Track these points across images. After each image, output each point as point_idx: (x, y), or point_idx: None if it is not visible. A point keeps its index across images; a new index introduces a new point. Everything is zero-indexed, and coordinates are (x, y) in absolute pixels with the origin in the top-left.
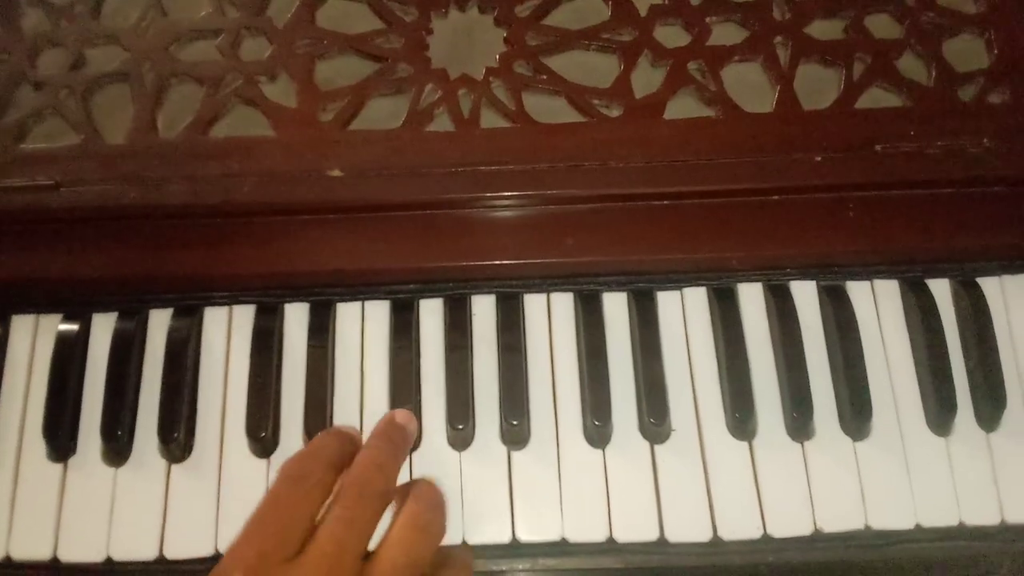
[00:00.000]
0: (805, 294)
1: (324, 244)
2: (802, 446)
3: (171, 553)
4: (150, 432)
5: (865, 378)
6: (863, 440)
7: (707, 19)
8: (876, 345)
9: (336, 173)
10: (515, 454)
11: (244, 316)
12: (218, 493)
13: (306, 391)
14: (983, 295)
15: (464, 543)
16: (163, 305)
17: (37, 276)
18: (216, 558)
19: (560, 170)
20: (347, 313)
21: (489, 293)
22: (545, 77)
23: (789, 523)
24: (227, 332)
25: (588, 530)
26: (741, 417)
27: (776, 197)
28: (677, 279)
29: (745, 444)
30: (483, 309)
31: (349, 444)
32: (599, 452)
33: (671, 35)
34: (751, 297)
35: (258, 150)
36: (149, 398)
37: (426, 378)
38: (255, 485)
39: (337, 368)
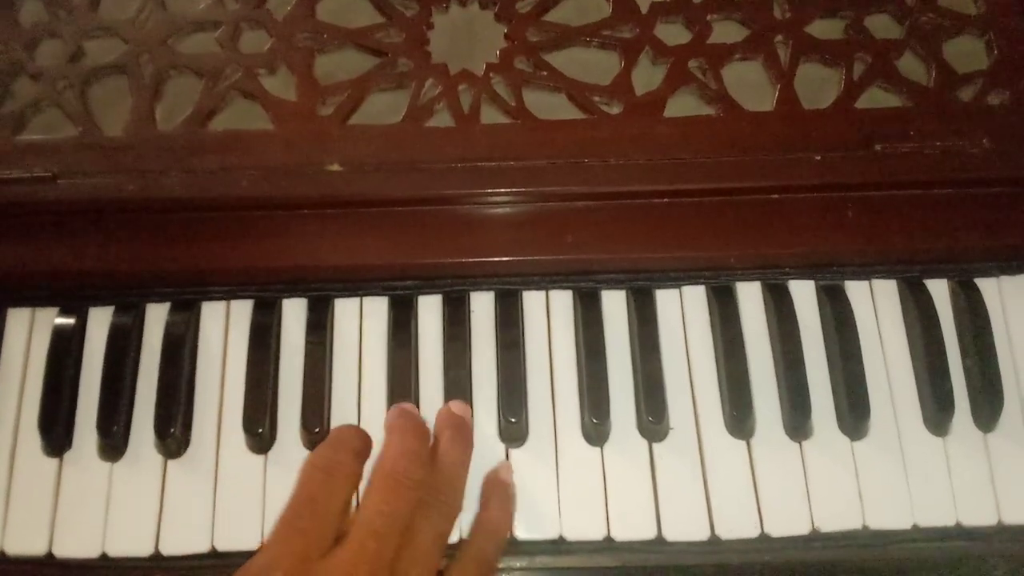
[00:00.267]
0: (804, 293)
1: (323, 239)
2: (800, 445)
3: (167, 549)
4: (146, 427)
5: (863, 378)
6: (861, 440)
7: (708, 17)
8: (874, 345)
9: (335, 168)
10: (513, 451)
11: (242, 311)
12: (214, 489)
13: (304, 387)
14: (981, 296)
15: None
16: (160, 299)
17: (33, 269)
18: (212, 554)
19: (560, 167)
20: (345, 309)
21: (488, 290)
22: (546, 73)
23: (787, 522)
24: (224, 327)
25: (586, 528)
26: (739, 416)
27: (775, 196)
28: (676, 277)
29: (743, 443)
30: (482, 306)
31: (367, 435)
32: (597, 450)
33: (672, 33)
34: (750, 296)
35: (257, 144)
36: (146, 393)
37: (424, 374)
38: (252, 481)
39: (335, 364)
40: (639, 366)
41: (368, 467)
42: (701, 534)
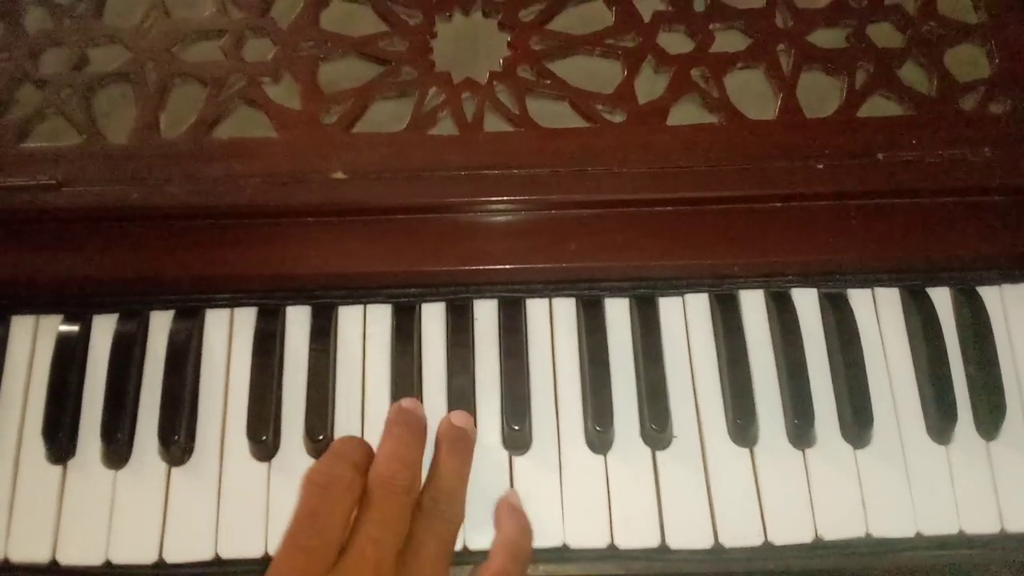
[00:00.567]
0: (806, 301)
1: (326, 247)
2: (803, 453)
3: (170, 557)
4: (150, 435)
5: (866, 386)
6: (864, 448)
7: (710, 26)
8: (877, 353)
9: (339, 175)
10: (516, 459)
11: (246, 318)
12: (218, 496)
13: (307, 394)
14: (983, 304)
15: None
16: (164, 307)
17: (37, 276)
18: (216, 562)
19: (563, 175)
20: (349, 316)
21: (491, 297)
22: (549, 82)
23: (790, 530)
24: (228, 334)
25: (589, 536)
26: (742, 424)
27: (778, 204)
28: (679, 285)
29: (746, 451)
30: (485, 313)
31: (367, 445)
32: (600, 458)
33: (674, 41)
34: (753, 304)
35: (261, 151)
36: (149, 400)
37: (428, 382)
38: (256, 488)
39: (339, 371)
40: (642, 374)
41: None
42: (704, 542)
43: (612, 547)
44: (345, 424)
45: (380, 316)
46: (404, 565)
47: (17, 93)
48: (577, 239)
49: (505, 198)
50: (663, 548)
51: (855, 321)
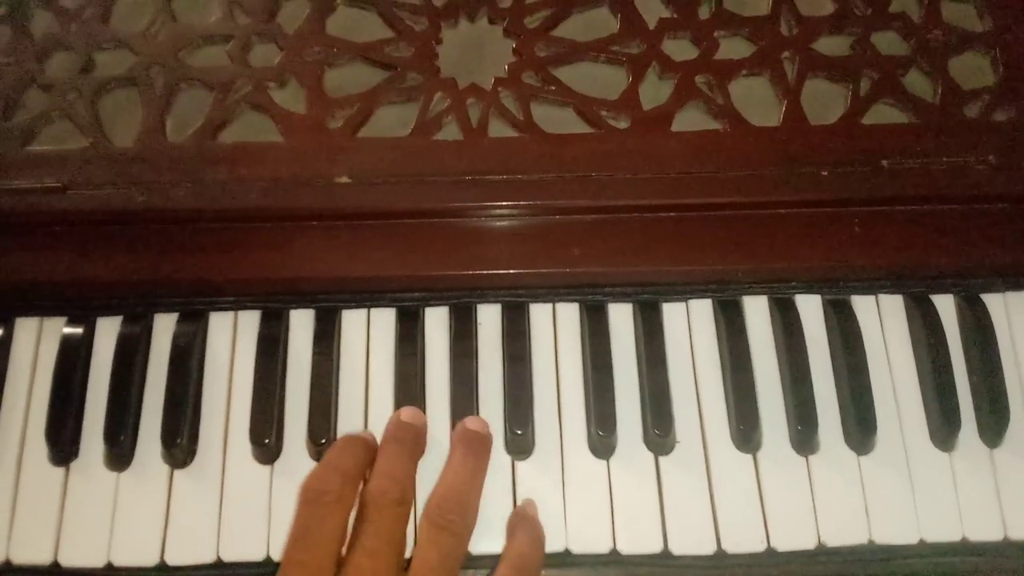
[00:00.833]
0: (810, 308)
1: (331, 251)
2: (806, 460)
3: (172, 559)
4: (153, 437)
5: (870, 392)
6: (867, 454)
7: (715, 33)
8: (880, 359)
9: (344, 180)
10: (519, 464)
11: (249, 322)
12: (221, 499)
13: (310, 398)
14: (987, 311)
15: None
16: (168, 309)
17: (42, 279)
18: (218, 565)
19: (567, 180)
20: (352, 320)
21: (495, 302)
22: (554, 88)
23: (793, 536)
24: (232, 338)
25: (591, 541)
26: (746, 430)
27: (782, 211)
28: (683, 291)
29: (749, 457)
30: (489, 318)
31: (363, 450)
32: (603, 463)
33: (679, 48)
34: (756, 310)
35: (266, 156)
36: (152, 403)
37: (431, 386)
38: (258, 491)
39: (342, 375)
40: (646, 379)
41: None
42: (707, 548)
43: (615, 552)
44: (347, 427)
45: (384, 320)
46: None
47: (24, 96)
48: (581, 244)
49: (509, 203)
50: (666, 553)
51: (859, 327)
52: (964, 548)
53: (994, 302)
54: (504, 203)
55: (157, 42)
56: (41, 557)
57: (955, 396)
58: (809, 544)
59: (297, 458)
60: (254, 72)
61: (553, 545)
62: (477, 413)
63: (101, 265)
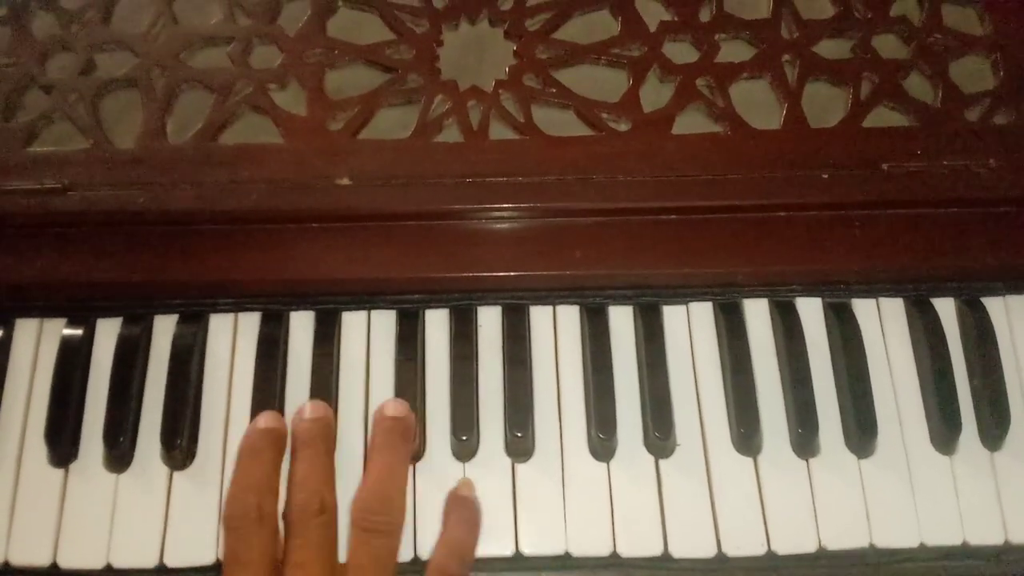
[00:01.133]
0: (811, 311)
1: (331, 253)
2: (807, 463)
3: (172, 561)
4: (153, 439)
5: (870, 396)
6: (868, 458)
7: (716, 36)
8: (881, 363)
9: (345, 182)
10: (519, 466)
11: (249, 323)
12: (219, 501)
13: (310, 399)
14: (987, 314)
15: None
16: (168, 311)
17: (42, 280)
18: (216, 566)
19: (568, 183)
20: (352, 322)
21: (495, 304)
22: (554, 90)
23: (793, 540)
24: (232, 339)
25: (592, 544)
26: (746, 433)
27: (783, 214)
28: (683, 293)
29: (750, 460)
30: (489, 320)
31: (269, 448)
32: (603, 466)
33: (680, 51)
34: (757, 313)
35: (267, 157)
36: (152, 404)
37: (431, 388)
38: None
39: (342, 377)
40: (646, 382)
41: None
42: (708, 551)
43: (615, 555)
44: (347, 428)
45: (384, 322)
46: None
47: (25, 98)
48: (581, 247)
49: (510, 205)
50: (666, 557)
51: (859, 331)
52: (965, 552)
53: (994, 305)
54: (505, 205)
55: (158, 43)
56: (40, 558)
57: (956, 399)
58: (810, 547)
59: None
60: (255, 74)
61: (553, 548)
62: (477, 416)
63: (101, 266)
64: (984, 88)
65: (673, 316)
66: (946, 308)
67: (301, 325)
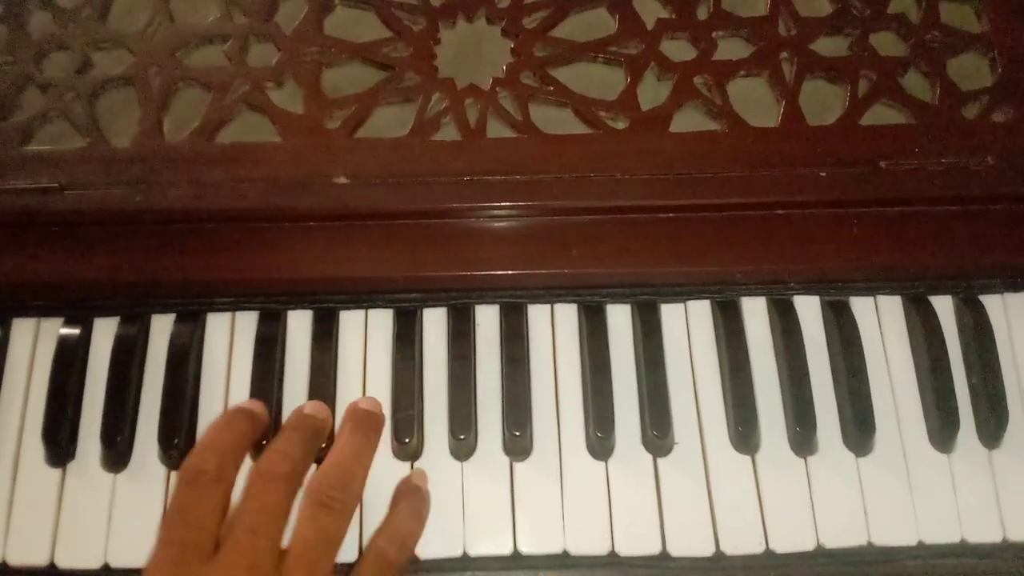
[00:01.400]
0: (809, 309)
1: (328, 251)
2: (805, 461)
3: None
4: (150, 438)
5: (868, 394)
6: (865, 456)
7: (713, 34)
8: (879, 361)
9: (342, 180)
10: (517, 465)
11: (247, 323)
12: None
13: (308, 399)
14: (985, 312)
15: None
16: (165, 310)
17: (39, 279)
18: None
19: (566, 181)
20: (350, 321)
21: (493, 303)
22: (552, 88)
23: (791, 538)
24: (229, 339)
25: (590, 543)
26: (744, 431)
27: (780, 212)
28: (681, 292)
29: (748, 458)
30: (487, 319)
31: (246, 422)
32: (602, 464)
33: (677, 49)
34: (755, 311)
35: (264, 156)
36: (150, 404)
37: (429, 387)
38: None
39: (339, 376)
40: (644, 380)
41: None
42: (706, 549)
43: (613, 554)
44: None
45: (382, 321)
46: (284, 556)
47: (21, 96)
48: (579, 245)
49: (507, 204)
50: (664, 555)
51: (857, 329)
52: (963, 550)
53: (992, 303)
54: (502, 204)
55: (155, 42)
56: (37, 558)
57: (953, 397)
58: (808, 546)
59: None
60: (252, 72)
61: (551, 547)
62: (476, 416)
63: (98, 265)
64: (982, 85)
65: (671, 314)
66: (944, 306)
67: (299, 324)
